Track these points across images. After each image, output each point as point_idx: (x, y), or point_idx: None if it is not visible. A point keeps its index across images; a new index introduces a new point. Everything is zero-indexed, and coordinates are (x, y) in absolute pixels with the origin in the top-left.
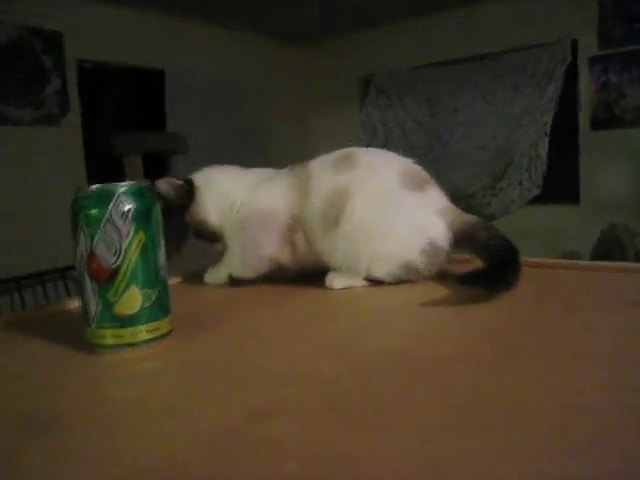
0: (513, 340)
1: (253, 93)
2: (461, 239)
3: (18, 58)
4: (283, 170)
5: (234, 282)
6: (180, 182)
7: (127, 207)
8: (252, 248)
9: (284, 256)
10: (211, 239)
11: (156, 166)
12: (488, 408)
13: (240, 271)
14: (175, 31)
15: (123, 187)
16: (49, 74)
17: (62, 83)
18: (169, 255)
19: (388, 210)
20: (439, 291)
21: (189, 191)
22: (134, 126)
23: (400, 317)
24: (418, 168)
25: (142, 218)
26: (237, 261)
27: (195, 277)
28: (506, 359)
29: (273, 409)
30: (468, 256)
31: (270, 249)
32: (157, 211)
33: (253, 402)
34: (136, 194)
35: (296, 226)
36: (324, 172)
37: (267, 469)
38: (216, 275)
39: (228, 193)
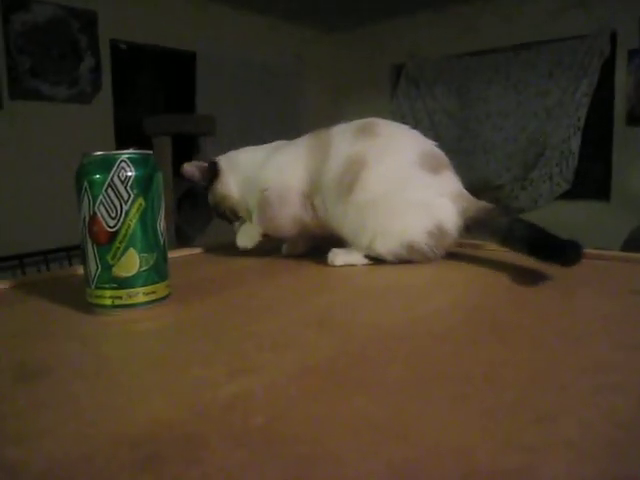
0: (502, 319)
1: (284, 79)
2: (474, 226)
3: (54, 36)
4: (305, 136)
5: (265, 238)
6: (204, 164)
7: (129, 173)
8: (278, 207)
9: (307, 216)
10: (230, 218)
11: (185, 147)
12: (461, 379)
13: (271, 230)
14: (208, 14)
15: (126, 154)
16: (83, 53)
17: (96, 62)
18: (193, 235)
19: (400, 186)
20: (440, 273)
21: (213, 171)
22: (164, 107)
23: (394, 295)
24: (439, 151)
25: (143, 185)
26: (266, 220)
27: (205, 250)
28: (489, 335)
29: (250, 369)
30: (478, 242)
31: (294, 207)
32: (158, 179)
33: (234, 363)
34: (138, 161)
35: (315, 190)
36: (344, 138)
37: (236, 422)
38: (249, 234)
39: (248, 167)
